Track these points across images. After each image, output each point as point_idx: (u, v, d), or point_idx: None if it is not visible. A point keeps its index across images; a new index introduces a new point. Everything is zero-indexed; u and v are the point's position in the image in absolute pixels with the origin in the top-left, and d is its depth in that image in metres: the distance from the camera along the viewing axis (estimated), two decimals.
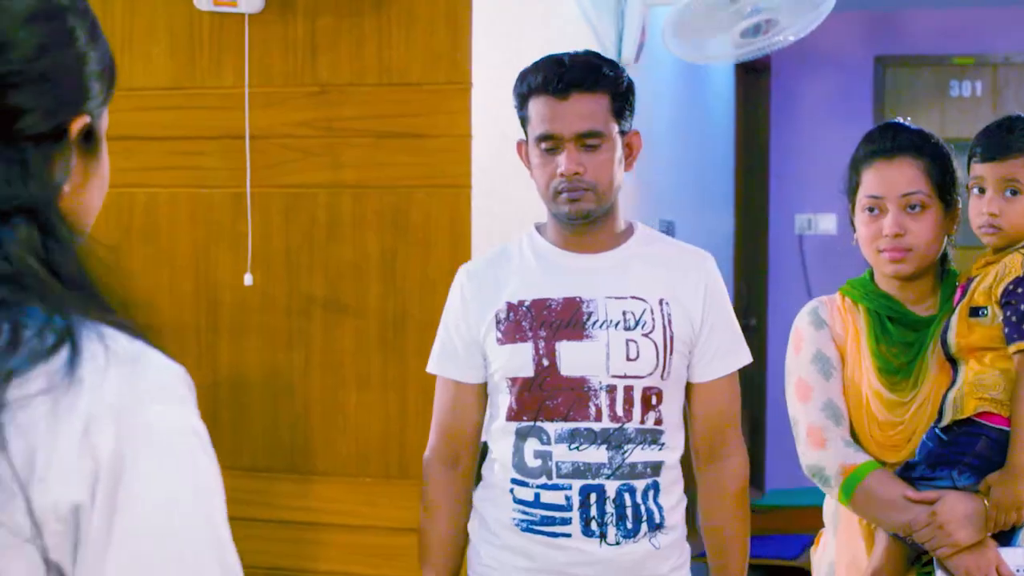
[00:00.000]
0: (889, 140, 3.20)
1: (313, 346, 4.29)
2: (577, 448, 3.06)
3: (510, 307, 3.15)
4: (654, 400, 3.11)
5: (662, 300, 3.13)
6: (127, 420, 1.31)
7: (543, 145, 3.10)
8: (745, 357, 3.26)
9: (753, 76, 8.85)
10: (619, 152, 3.13)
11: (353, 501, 4.25)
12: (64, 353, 1.31)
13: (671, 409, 3.14)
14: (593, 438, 3.07)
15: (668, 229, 6.52)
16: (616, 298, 3.12)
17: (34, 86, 1.36)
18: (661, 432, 3.12)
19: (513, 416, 3.14)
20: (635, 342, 3.09)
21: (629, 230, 3.25)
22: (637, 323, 3.10)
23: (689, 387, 3.22)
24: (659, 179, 6.49)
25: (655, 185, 6.38)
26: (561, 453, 3.07)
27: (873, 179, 3.18)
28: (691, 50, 5.22)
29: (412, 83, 4.16)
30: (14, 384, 1.28)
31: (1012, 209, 3.06)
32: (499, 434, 3.18)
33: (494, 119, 4.16)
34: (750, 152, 8.84)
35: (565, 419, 3.08)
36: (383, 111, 4.19)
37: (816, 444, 3.16)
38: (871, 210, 3.18)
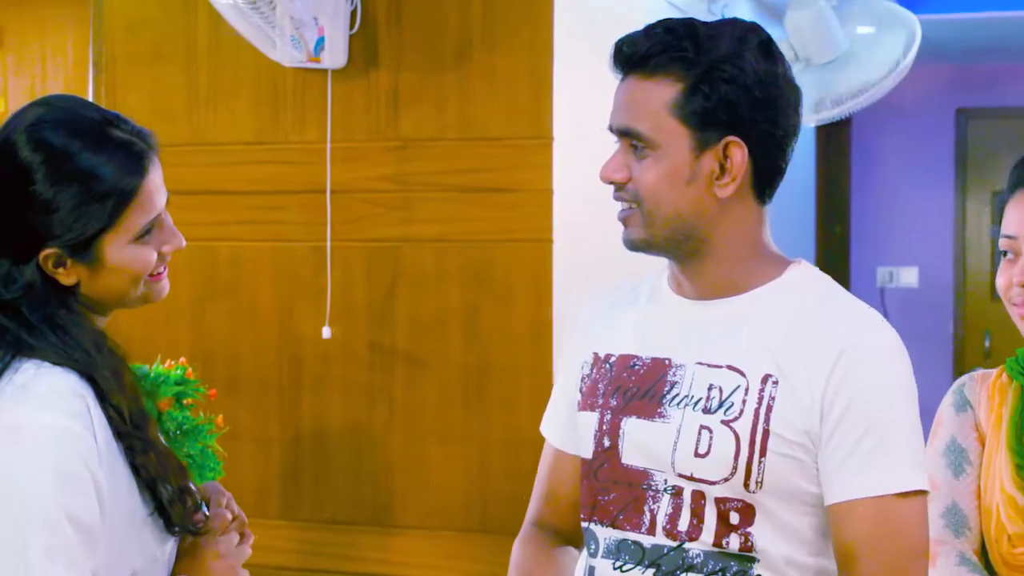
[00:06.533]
0: None
1: (395, 399, 4.29)
2: (620, 568, 2.16)
3: (595, 360, 2.27)
4: (735, 518, 2.09)
5: (767, 377, 2.09)
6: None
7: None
8: (905, 480, 2.06)
9: (833, 129, 8.80)
10: (686, 167, 2.10)
11: (434, 554, 4.25)
12: None
13: (773, 535, 2.10)
14: (639, 556, 2.14)
15: None
16: (708, 366, 2.13)
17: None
18: (752, 562, 2.09)
19: (582, 511, 2.27)
20: (709, 431, 2.09)
21: (773, 270, 2.21)
22: (720, 405, 2.09)
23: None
24: None
25: None
26: (604, 571, 2.19)
27: (1011, 214, 2.41)
28: None
29: (494, 138, 4.18)
30: None
31: None
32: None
33: (576, 173, 4.17)
34: (831, 205, 8.79)
35: (613, 524, 2.18)
36: (464, 166, 4.21)
37: None
38: (1005, 253, 2.42)
